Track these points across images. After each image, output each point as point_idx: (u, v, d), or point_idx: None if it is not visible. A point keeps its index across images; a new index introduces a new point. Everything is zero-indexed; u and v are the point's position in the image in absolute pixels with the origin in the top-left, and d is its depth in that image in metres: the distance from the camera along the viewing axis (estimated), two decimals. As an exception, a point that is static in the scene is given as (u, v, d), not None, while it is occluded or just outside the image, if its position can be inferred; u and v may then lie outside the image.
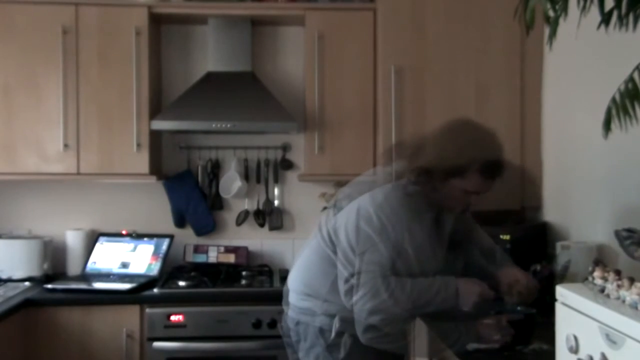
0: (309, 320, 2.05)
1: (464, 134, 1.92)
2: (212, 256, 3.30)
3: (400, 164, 2.04)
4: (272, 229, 3.41)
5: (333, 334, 1.98)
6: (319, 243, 2.06)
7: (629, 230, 1.87)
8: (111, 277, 3.08)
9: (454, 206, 1.99)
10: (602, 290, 1.36)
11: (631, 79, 1.45)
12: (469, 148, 1.87)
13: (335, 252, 1.99)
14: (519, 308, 1.98)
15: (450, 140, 1.90)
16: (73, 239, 3.21)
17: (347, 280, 1.91)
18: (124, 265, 3.17)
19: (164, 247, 3.22)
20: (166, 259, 3.19)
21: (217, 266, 3.24)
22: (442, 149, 1.89)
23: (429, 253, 1.96)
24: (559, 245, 2.40)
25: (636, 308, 1.23)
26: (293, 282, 2.16)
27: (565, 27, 1.54)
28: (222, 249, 3.32)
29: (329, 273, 2.00)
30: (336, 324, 1.98)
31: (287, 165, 3.40)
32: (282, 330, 2.21)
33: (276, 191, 3.42)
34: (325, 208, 3.28)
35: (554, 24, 1.48)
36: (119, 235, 3.29)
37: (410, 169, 1.95)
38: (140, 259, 3.18)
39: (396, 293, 1.84)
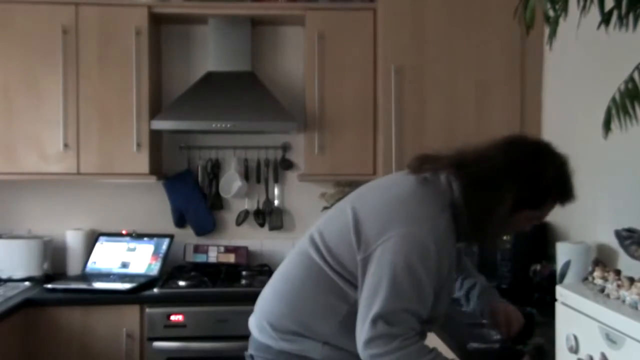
0: None
1: (541, 162, 1.57)
2: (212, 256, 3.30)
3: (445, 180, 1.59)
4: (272, 229, 3.41)
5: None
6: (319, 265, 1.58)
7: (629, 230, 1.87)
8: (111, 277, 3.08)
9: (504, 237, 1.74)
10: (602, 290, 1.36)
11: (631, 79, 1.46)
12: (552, 179, 1.56)
13: (347, 280, 1.56)
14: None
15: (526, 168, 1.54)
16: (73, 239, 3.21)
17: (373, 322, 1.46)
18: (124, 265, 3.17)
19: (164, 247, 3.22)
20: (166, 258, 3.19)
21: (217, 266, 3.24)
22: (521, 180, 1.53)
23: (446, 296, 1.65)
24: (559, 245, 2.40)
25: (636, 308, 1.23)
26: (271, 316, 1.65)
27: (565, 27, 1.54)
28: (222, 248, 3.32)
29: (335, 308, 1.56)
30: None
31: (287, 165, 3.40)
32: None
33: (276, 191, 3.42)
34: (325, 208, 3.29)
35: (554, 24, 1.48)
36: (119, 235, 3.29)
37: (460, 194, 1.55)
38: (140, 258, 3.18)
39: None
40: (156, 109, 3.16)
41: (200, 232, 3.38)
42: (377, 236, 1.51)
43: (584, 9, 1.44)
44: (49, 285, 2.89)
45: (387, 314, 1.45)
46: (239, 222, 3.40)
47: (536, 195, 1.56)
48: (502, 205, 1.52)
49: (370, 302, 1.47)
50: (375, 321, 1.45)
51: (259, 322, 1.68)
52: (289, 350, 1.59)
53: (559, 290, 1.46)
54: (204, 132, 3.26)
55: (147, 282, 2.96)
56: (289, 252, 1.74)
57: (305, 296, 1.60)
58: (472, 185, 1.54)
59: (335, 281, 1.57)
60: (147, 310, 2.81)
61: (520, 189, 1.53)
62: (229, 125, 2.99)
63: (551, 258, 2.48)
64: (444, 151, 1.62)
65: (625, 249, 1.87)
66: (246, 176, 3.38)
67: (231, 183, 3.33)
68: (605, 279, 1.39)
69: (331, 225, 1.63)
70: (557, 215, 2.74)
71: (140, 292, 2.86)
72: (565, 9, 1.47)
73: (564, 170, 1.60)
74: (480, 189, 1.53)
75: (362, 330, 1.47)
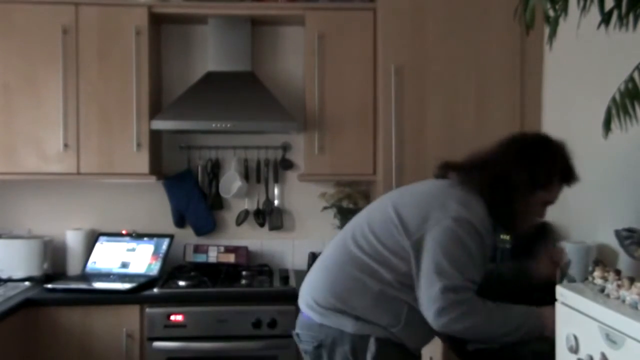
0: (336, 341, 1.84)
1: (541, 148, 1.89)
2: (212, 256, 3.30)
3: (463, 181, 1.89)
4: (272, 228, 3.41)
5: (369, 359, 1.82)
6: (357, 253, 1.87)
7: (629, 230, 1.87)
8: (111, 277, 3.08)
9: (529, 221, 1.95)
10: (602, 290, 1.36)
11: (631, 79, 1.46)
12: (554, 160, 1.87)
13: (380, 263, 1.83)
14: None
15: (531, 156, 1.86)
16: (73, 239, 3.21)
17: (442, 293, 1.74)
18: (124, 265, 3.17)
19: (164, 247, 3.22)
20: (166, 258, 3.19)
21: (217, 266, 3.25)
22: (529, 165, 1.83)
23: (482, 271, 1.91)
24: (559, 245, 2.40)
25: (636, 308, 1.23)
26: (316, 293, 1.92)
27: (565, 27, 1.54)
28: (222, 248, 3.32)
29: (368, 285, 1.83)
30: (372, 347, 1.82)
31: (287, 165, 3.40)
32: (297, 338, 1.99)
33: (276, 191, 3.42)
34: (325, 208, 3.29)
35: (554, 24, 1.48)
36: (119, 235, 3.29)
37: (485, 188, 1.84)
38: (140, 258, 3.18)
39: (493, 314, 1.77)
40: (156, 109, 3.16)
41: (200, 232, 3.38)
42: (421, 224, 1.80)
43: (584, 9, 1.44)
44: (49, 285, 2.89)
45: (453, 285, 1.73)
46: (239, 222, 3.40)
47: (543, 177, 1.84)
48: (518, 192, 1.83)
49: (433, 278, 1.75)
50: (444, 292, 1.73)
51: (306, 300, 1.95)
52: (328, 324, 1.86)
53: (559, 290, 1.46)
54: (204, 132, 3.26)
55: (147, 282, 2.96)
56: (328, 245, 2.03)
57: (343, 276, 1.87)
58: (491, 182, 1.83)
59: (369, 264, 1.84)
60: (147, 310, 2.81)
61: (529, 174, 1.82)
62: (229, 125, 2.99)
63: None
64: (460, 159, 1.95)
65: (625, 249, 1.87)
66: (246, 176, 3.38)
67: (231, 183, 3.33)
68: (605, 279, 1.39)
69: (374, 220, 1.91)
70: (557, 215, 2.75)
71: (140, 292, 2.86)
72: (565, 9, 1.47)
73: (562, 153, 1.90)
74: (498, 183, 1.83)
75: (432, 303, 1.75)
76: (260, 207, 3.42)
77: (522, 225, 1.96)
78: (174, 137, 3.37)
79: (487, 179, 1.84)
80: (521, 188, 1.83)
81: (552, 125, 2.83)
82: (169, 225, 3.37)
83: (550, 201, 1.93)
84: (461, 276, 1.75)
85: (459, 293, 1.74)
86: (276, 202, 3.42)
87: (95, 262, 3.19)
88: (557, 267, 2.14)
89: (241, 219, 3.40)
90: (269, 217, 3.41)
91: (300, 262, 3.36)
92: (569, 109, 2.64)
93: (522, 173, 1.83)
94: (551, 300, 1.50)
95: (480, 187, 1.84)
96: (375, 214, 1.94)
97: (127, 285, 2.88)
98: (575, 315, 1.37)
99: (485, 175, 1.84)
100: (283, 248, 3.43)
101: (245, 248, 3.33)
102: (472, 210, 1.80)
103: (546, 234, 2.76)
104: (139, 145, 3.03)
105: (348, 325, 1.83)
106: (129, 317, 2.80)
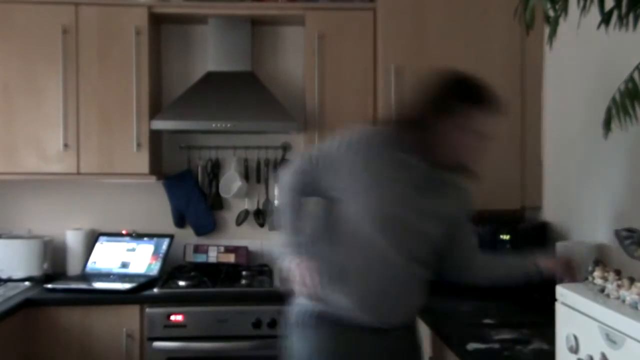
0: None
1: (442, 75, 1.93)
2: (212, 256, 3.30)
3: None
4: (272, 229, 3.41)
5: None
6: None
7: (629, 230, 1.87)
8: (111, 277, 3.08)
9: (462, 154, 1.89)
10: (602, 290, 1.36)
11: (631, 78, 1.46)
12: (449, 81, 1.89)
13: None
14: None
15: (431, 83, 1.92)
16: (73, 239, 3.21)
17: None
18: (124, 265, 3.17)
19: (164, 247, 3.22)
20: (166, 258, 3.19)
21: (217, 266, 3.25)
22: (426, 91, 1.91)
23: (380, 193, 1.89)
24: (559, 245, 2.40)
25: (636, 308, 1.23)
26: None
27: (565, 27, 1.54)
28: (222, 248, 3.32)
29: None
30: (299, 317, 1.96)
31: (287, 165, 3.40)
32: None
33: (276, 191, 3.42)
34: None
35: (554, 24, 1.48)
36: (119, 235, 3.29)
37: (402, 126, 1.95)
38: (140, 258, 3.18)
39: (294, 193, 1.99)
40: (156, 109, 3.16)
41: (200, 232, 3.38)
42: None
43: (584, 9, 1.45)
44: (49, 285, 2.89)
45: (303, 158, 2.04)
46: (239, 222, 3.40)
47: (441, 100, 1.86)
48: (425, 121, 1.86)
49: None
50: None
51: None
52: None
53: (559, 290, 1.46)
54: (204, 132, 3.27)
55: (147, 282, 2.96)
56: None
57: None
58: (406, 120, 1.93)
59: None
60: (147, 310, 2.81)
61: (433, 104, 1.86)
62: (229, 125, 2.99)
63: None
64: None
65: (625, 249, 1.87)
66: (246, 176, 3.38)
67: (231, 183, 3.33)
68: (605, 279, 1.39)
69: None
70: (557, 215, 2.75)
71: (140, 292, 2.86)
72: (565, 9, 1.47)
73: (461, 76, 1.91)
74: (412, 120, 1.91)
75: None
76: (260, 207, 3.42)
77: (449, 159, 1.91)
78: (174, 137, 3.37)
79: (403, 118, 1.96)
80: (432, 119, 1.86)
81: (552, 125, 2.83)
82: (169, 225, 3.37)
83: (469, 128, 1.85)
84: (309, 157, 2.00)
85: (302, 164, 2.01)
86: (276, 202, 3.42)
87: (95, 262, 3.19)
88: (568, 274, 2.03)
89: (241, 219, 3.40)
90: (269, 217, 3.41)
91: (300, 262, 3.36)
92: (569, 109, 2.64)
93: (421, 102, 1.90)
94: (551, 300, 1.50)
95: (399, 126, 1.95)
96: None
97: (127, 285, 2.88)
98: (575, 315, 1.37)
99: (402, 116, 1.99)
100: (283, 248, 3.42)
101: (245, 248, 3.34)
102: (364, 131, 1.96)
103: (545, 235, 2.76)
104: (139, 145, 3.03)
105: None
106: (129, 317, 2.80)
